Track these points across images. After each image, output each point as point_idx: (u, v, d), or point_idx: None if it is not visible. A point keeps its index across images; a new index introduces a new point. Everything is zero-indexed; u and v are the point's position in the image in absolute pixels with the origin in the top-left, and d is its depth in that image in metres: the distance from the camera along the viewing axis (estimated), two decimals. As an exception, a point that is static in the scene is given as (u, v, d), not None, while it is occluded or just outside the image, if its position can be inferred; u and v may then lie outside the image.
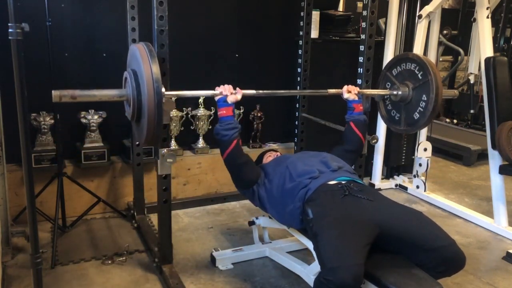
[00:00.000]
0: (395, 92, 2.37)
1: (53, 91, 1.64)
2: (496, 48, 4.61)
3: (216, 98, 2.11)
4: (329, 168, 2.11)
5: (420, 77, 2.28)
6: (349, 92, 2.34)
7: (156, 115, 1.70)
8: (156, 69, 1.71)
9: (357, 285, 1.60)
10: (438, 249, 1.74)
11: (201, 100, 3.27)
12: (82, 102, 2.91)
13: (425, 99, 2.25)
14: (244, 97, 2.15)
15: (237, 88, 2.11)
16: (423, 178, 3.53)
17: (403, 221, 1.84)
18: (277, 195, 2.11)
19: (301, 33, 3.25)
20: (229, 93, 2.08)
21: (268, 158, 2.44)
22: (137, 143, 2.77)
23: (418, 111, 2.30)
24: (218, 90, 2.10)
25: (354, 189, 1.97)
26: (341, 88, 2.40)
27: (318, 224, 1.83)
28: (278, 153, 2.50)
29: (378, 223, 1.81)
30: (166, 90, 2.05)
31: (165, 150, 2.09)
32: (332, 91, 2.35)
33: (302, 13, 3.22)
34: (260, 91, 2.24)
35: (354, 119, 2.34)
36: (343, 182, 2.02)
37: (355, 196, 1.94)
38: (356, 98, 2.34)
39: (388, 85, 2.47)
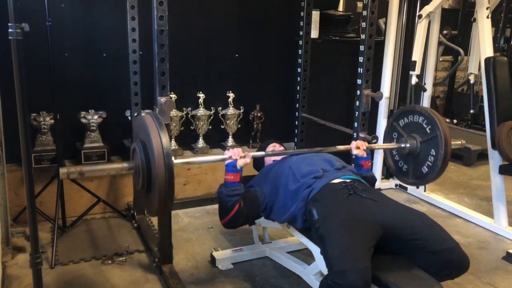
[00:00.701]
0: (403, 145, 2.30)
1: (60, 169, 1.60)
2: (496, 48, 4.61)
3: (226, 163, 2.02)
4: (333, 167, 2.11)
5: (429, 131, 2.22)
6: (358, 148, 2.23)
7: (167, 189, 1.64)
8: (166, 141, 1.64)
9: None
10: (442, 252, 1.74)
11: (201, 100, 3.27)
12: (82, 102, 2.95)
13: (434, 154, 2.20)
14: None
15: (246, 152, 2.03)
16: (423, 178, 3.53)
17: (407, 222, 1.84)
18: (280, 199, 2.10)
19: (301, 33, 3.25)
20: (238, 157, 2.00)
21: (270, 149, 2.43)
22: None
23: (426, 165, 2.25)
24: (227, 154, 2.01)
25: (359, 188, 1.97)
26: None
27: (324, 226, 1.82)
28: (282, 147, 2.49)
29: (382, 224, 1.81)
30: (166, 90, 2.06)
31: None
32: (341, 147, 2.25)
33: (302, 13, 3.22)
34: (269, 152, 2.23)
35: (363, 176, 2.22)
36: (347, 180, 2.01)
37: (359, 196, 1.93)
38: (365, 155, 2.24)
39: (395, 135, 2.41)
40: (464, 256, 1.76)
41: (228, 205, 2.02)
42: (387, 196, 2.09)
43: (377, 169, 3.68)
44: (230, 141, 3.45)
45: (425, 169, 2.26)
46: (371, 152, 2.34)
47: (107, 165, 1.82)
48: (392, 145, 2.39)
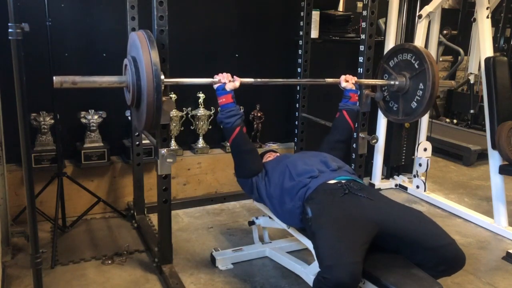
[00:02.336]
0: (392, 82, 2.41)
1: (54, 77, 1.68)
2: (496, 48, 4.62)
3: (215, 86, 2.14)
4: (329, 168, 2.12)
5: (417, 66, 2.31)
6: (347, 82, 2.38)
7: (155, 99, 1.74)
8: (155, 55, 1.74)
9: (354, 283, 1.60)
10: (438, 248, 1.74)
11: (201, 100, 3.27)
12: (82, 102, 2.95)
13: (422, 87, 2.28)
14: (242, 84, 2.18)
15: (235, 76, 2.15)
16: (423, 178, 3.53)
17: (403, 220, 1.84)
18: (275, 194, 2.11)
19: (301, 33, 3.25)
20: (227, 80, 2.12)
21: (267, 158, 2.44)
22: (136, 134, 2.77)
23: (415, 99, 2.34)
24: (216, 78, 2.14)
25: (354, 188, 1.97)
26: (341, 97, 2.42)
27: (317, 223, 1.84)
28: (278, 154, 2.51)
29: (377, 222, 1.81)
30: (166, 90, 2.05)
31: (165, 150, 2.10)
32: (330, 80, 2.39)
33: (302, 13, 3.22)
34: (258, 80, 2.27)
35: (349, 108, 2.38)
36: (343, 181, 2.02)
37: (354, 195, 1.94)
38: (354, 88, 2.39)
39: (385, 76, 2.50)
40: (460, 253, 1.76)
41: (228, 127, 2.12)
42: (383, 194, 2.10)
43: (377, 169, 3.68)
44: (230, 141, 3.45)
45: (414, 104, 2.35)
46: (370, 150, 2.36)
47: (99, 78, 1.86)
48: (382, 81, 2.49)
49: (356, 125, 2.48)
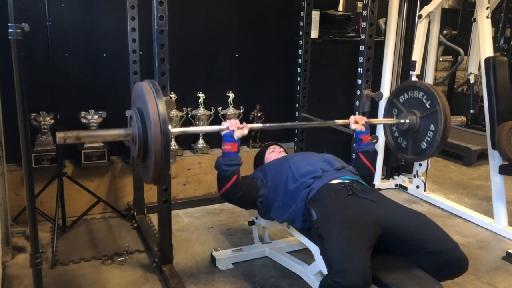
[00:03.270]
0: (402, 121, 2.29)
1: (57, 133, 1.59)
2: (496, 48, 4.61)
3: (222, 133, 2.02)
4: (333, 167, 2.11)
5: (428, 107, 2.21)
6: (357, 123, 2.23)
7: (163, 156, 1.64)
8: (163, 109, 1.64)
9: (366, 287, 1.60)
10: (441, 252, 1.74)
11: (201, 100, 3.27)
12: (82, 102, 2.95)
13: (433, 129, 2.19)
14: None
15: (244, 123, 2.02)
16: (423, 178, 3.53)
17: (406, 223, 1.84)
18: (279, 197, 2.10)
19: (301, 33, 3.25)
20: (235, 128, 1.99)
21: (271, 154, 2.43)
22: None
23: (425, 140, 2.23)
24: (224, 125, 2.00)
25: (358, 189, 1.97)
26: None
27: (324, 226, 1.82)
28: (282, 149, 2.49)
29: (381, 225, 1.81)
30: (166, 90, 2.06)
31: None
32: (339, 121, 2.24)
33: (302, 13, 3.22)
34: (267, 124, 2.20)
35: (363, 150, 2.25)
36: (346, 181, 2.01)
37: (358, 196, 1.93)
38: (364, 129, 2.24)
39: (394, 111, 2.40)
40: (463, 257, 1.76)
41: (225, 175, 2.02)
42: (386, 196, 2.09)
43: (377, 169, 3.68)
44: (230, 141, 3.44)
45: (424, 144, 2.25)
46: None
47: (104, 131, 1.79)
48: (392, 120, 2.37)
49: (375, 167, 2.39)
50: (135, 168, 2.87)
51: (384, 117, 2.49)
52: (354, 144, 2.29)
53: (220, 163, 2.01)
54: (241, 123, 2.01)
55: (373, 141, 2.47)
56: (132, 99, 1.90)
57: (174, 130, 1.83)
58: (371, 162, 2.26)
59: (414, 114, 2.27)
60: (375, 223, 1.81)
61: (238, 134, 2.00)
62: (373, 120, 2.42)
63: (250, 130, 2.08)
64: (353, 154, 2.31)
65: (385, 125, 2.51)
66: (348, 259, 1.62)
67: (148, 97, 1.66)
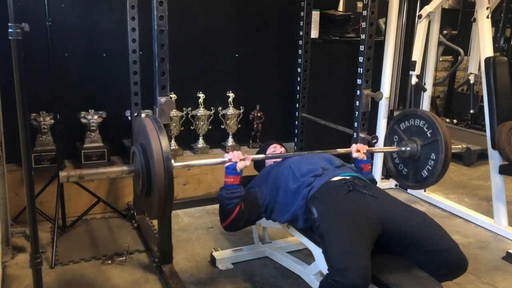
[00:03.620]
0: (403, 149, 2.31)
1: (60, 172, 1.60)
2: (496, 48, 4.61)
3: (225, 165, 2.03)
4: (333, 165, 2.11)
5: (429, 135, 2.22)
6: (358, 152, 2.23)
7: (167, 193, 1.65)
8: (166, 145, 1.65)
9: (366, 286, 1.60)
10: (441, 252, 1.74)
11: (201, 100, 3.27)
12: (82, 102, 2.95)
13: (434, 158, 2.20)
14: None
15: (246, 155, 2.03)
16: (423, 178, 3.53)
17: (407, 221, 1.84)
18: (280, 199, 2.10)
19: (301, 33, 3.25)
20: (238, 159, 2.00)
21: (271, 150, 2.43)
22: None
23: (426, 169, 2.24)
24: (227, 157, 2.01)
25: (359, 185, 1.97)
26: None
27: (324, 224, 1.82)
28: (283, 149, 2.49)
29: (381, 221, 1.81)
30: (166, 90, 2.06)
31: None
32: (341, 150, 2.24)
33: (302, 13, 3.22)
34: (269, 155, 2.22)
35: None
36: (347, 177, 2.01)
37: (359, 192, 1.93)
38: (365, 158, 2.24)
39: (395, 138, 2.42)
40: (462, 257, 1.76)
41: (228, 208, 2.02)
42: (387, 193, 2.09)
43: (377, 169, 3.68)
44: (230, 141, 3.45)
45: (425, 173, 2.26)
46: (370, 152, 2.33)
47: (107, 169, 1.79)
48: (393, 148, 2.39)
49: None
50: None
51: (385, 143, 2.52)
52: None
53: (223, 196, 2.02)
54: (243, 154, 2.02)
55: (373, 141, 2.47)
56: (134, 134, 1.90)
57: (177, 164, 1.83)
58: None
59: (415, 142, 2.28)
60: (376, 220, 1.81)
61: (240, 165, 2.00)
62: (375, 149, 2.43)
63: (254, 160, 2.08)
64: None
65: (386, 153, 2.52)
66: (349, 258, 1.62)
67: (151, 134, 1.66)
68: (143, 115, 2.61)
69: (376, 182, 2.33)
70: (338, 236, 1.73)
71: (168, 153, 1.64)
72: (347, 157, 2.35)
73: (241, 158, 2.00)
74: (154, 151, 1.64)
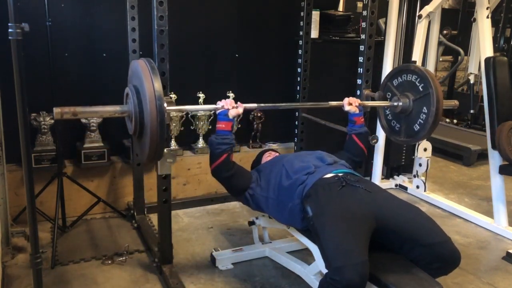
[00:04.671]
0: (395, 104, 2.35)
1: (54, 108, 1.62)
2: (496, 48, 4.62)
3: (217, 112, 2.08)
4: (325, 162, 2.12)
5: (421, 89, 2.25)
6: (350, 105, 2.29)
7: (159, 132, 1.68)
8: (158, 85, 1.68)
9: (364, 283, 1.60)
10: (433, 245, 1.75)
11: (201, 100, 3.26)
12: (82, 102, 2.94)
13: (426, 111, 2.23)
14: (245, 110, 2.13)
15: (239, 102, 2.08)
16: (423, 178, 3.53)
17: (400, 214, 1.85)
18: (274, 195, 2.10)
19: (301, 33, 3.25)
20: (230, 107, 2.05)
21: (267, 158, 2.44)
22: (138, 158, 2.74)
23: (418, 123, 2.28)
24: (219, 104, 2.06)
25: (351, 180, 1.98)
26: (342, 97, 2.35)
27: (319, 222, 1.83)
28: (277, 153, 2.51)
29: (375, 215, 1.82)
30: (166, 90, 2.06)
31: (165, 150, 2.09)
32: (333, 103, 2.31)
33: (302, 13, 3.22)
34: (262, 104, 2.21)
35: (357, 132, 2.32)
36: (339, 174, 2.02)
37: (352, 186, 1.94)
38: (357, 111, 2.30)
39: (388, 95, 2.45)
40: (455, 251, 1.77)
41: (216, 152, 2.07)
42: (380, 187, 2.11)
43: (377, 169, 3.68)
44: (230, 141, 3.45)
45: (416, 127, 2.30)
46: (370, 150, 2.35)
47: (100, 108, 1.82)
48: (385, 103, 2.43)
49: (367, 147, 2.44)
50: (135, 168, 2.87)
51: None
52: (348, 126, 2.36)
53: (213, 141, 2.08)
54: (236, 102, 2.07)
55: (373, 141, 2.48)
56: (129, 77, 1.92)
57: (170, 108, 1.87)
58: (364, 143, 2.34)
59: (407, 97, 2.32)
60: (370, 215, 1.82)
61: (233, 113, 2.05)
62: (367, 103, 2.45)
63: (246, 110, 2.13)
64: (347, 136, 2.36)
65: (378, 108, 2.54)
66: (345, 256, 1.63)
67: (144, 75, 1.69)
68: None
69: (368, 133, 2.38)
70: (332, 234, 1.74)
71: (161, 93, 1.67)
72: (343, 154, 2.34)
73: (234, 106, 2.06)
74: (146, 91, 1.66)
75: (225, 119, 2.06)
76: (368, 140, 2.37)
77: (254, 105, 2.19)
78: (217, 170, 2.11)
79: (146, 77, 1.69)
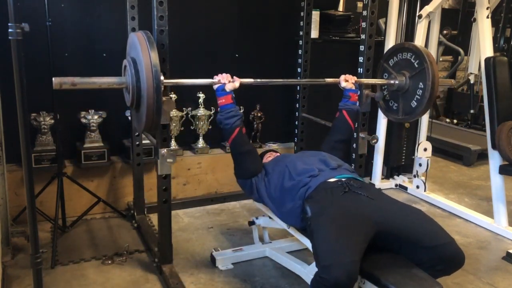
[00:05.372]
0: (392, 82, 2.40)
1: (53, 78, 1.67)
2: (496, 48, 4.62)
3: (215, 87, 2.14)
4: (329, 167, 2.12)
5: (417, 66, 2.31)
6: (347, 81, 2.36)
7: (155, 101, 1.73)
8: (154, 56, 1.73)
9: (351, 282, 1.60)
10: (437, 247, 1.74)
11: (201, 100, 3.26)
12: (82, 102, 2.95)
13: (422, 86, 2.28)
14: (242, 84, 2.17)
15: (235, 77, 2.14)
16: (423, 178, 3.53)
17: (403, 219, 1.84)
18: (275, 195, 2.11)
19: (301, 33, 3.24)
20: (227, 81, 2.11)
21: (268, 158, 2.44)
22: (136, 134, 2.77)
23: (415, 99, 2.33)
24: (216, 78, 2.13)
25: (354, 186, 1.98)
26: (341, 97, 2.41)
27: (315, 222, 1.84)
28: (278, 154, 2.51)
29: (377, 221, 1.81)
30: (166, 90, 2.05)
31: (165, 150, 2.09)
32: (329, 80, 2.39)
33: (302, 13, 3.22)
34: (258, 80, 2.26)
35: (348, 107, 2.37)
36: (343, 179, 2.02)
37: (355, 193, 1.94)
38: (353, 88, 2.38)
39: (385, 75, 2.49)
40: (459, 252, 1.76)
41: (228, 128, 2.12)
42: (383, 192, 2.12)
43: (377, 169, 3.68)
44: (230, 141, 3.45)
45: (414, 103, 2.34)
46: (370, 151, 2.35)
47: (98, 79, 1.85)
48: (382, 80, 2.47)
49: (356, 125, 2.47)
50: (135, 168, 2.87)
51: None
52: (341, 102, 2.40)
53: (220, 118, 2.13)
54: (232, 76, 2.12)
55: (373, 141, 2.48)
56: (127, 51, 1.97)
57: (167, 81, 1.94)
58: (353, 120, 2.39)
59: (404, 74, 2.37)
60: (371, 220, 1.81)
61: (229, 86, 2.12)
62: (363, 80, 2.48)
63: (242, 84, 2.15)
64: (337, 112, 2.41)
65: (378, 97, 2.56)
66: (334, 254, 1.63)
67: (141, 46, 1.74)
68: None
69: (360, 112, 2.45)
70: (326, 234, 1.75)
71: (157, 65, 1.72)
72: (347, 158, 2.34)
73: (230, 80, 2.11)
74: (143, 63, 1.71)
75: (224, 94, 2.12)
76: (357, 118, 2.44)
77: (250, 80, 2.23)
78: (234, 144, 2.16)
79: (143, 48, 1.74)
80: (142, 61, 1.73)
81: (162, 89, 1.82)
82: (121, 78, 1.86)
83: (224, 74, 2.13)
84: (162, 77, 1.78)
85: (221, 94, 2.12)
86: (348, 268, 1.59)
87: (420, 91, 2.29)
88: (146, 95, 1.72)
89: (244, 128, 2.17)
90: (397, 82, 2.38)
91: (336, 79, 2.39)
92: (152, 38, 1.83)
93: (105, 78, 1.87)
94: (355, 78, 2.39)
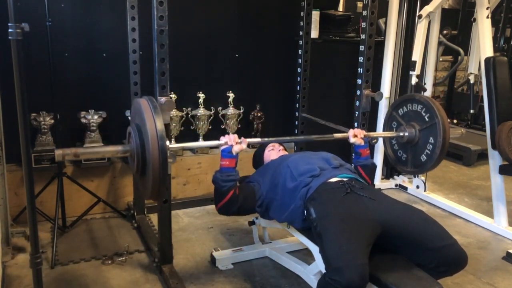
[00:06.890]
0: (401, 134, 2.31)
1: (55, 150, 1.60)
2: (496, 48, 4.61)
3: (221, 148, 2.02)
4: (331, 165, 2.11)
5: (427, 119, 2.23)
6: (355, 137, 2.21)
7: (161, 172, 1.66)
8: (160, 125, 1.66)
9: (363, 285, 1.60)
10: (441, 249, 1.74)
11: (201, 100, 3.27)
12: (82, 102, 2.95)
13: (432, 141, 2.20)
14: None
15: (242, 138, 2.02)
16: (423, 178, 3.53)
17: (405, 220, 1.84)
18: (277, 197, 2.10)
19: (301, 33, 3.24)
20: (234, 143, 1.98)
21: (270, 152, 2.42)
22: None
23: (425, 153, 2.25)
24: (223, 140, 2.00)
25: (356, 187, 1.97)
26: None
27: (322, 224, 1.83)
28: (281, 147, 2.48)
29: (380, 223, 1.81)
30: (166, 90, 2.06)
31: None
32: (338, 135, 2.25)
33: (302, 13, 3.22)
34: (266, 139, 2.20)
35: (362, 164, 2.24)
36: (344, 179, 2.02)
37: (356, 194, 1.93)
38: (362, 143, 2.23)
39: (394, 124, 2.42)
40: (462, 253, 1.76)
41: (222, 190, 2.01)
42: (384, 194, 2.10)
43: (377, 169, 3.68)
44: (230, 141, 3.44)
45: (423, 157, 2.27)
46: (371, 149, 2.33)
47: (102, 148, 1.83)
48: (391, 133, 2.40)
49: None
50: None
51: (383, 130, 2.52)
52: (353, 158, 2.29)
53: (218, 178, 2.00)
54: (239, 137, 2.01)
55: (373, 141, 2.47)
56: (132, 116, 1.90)
57: (172, 146, 1.84)
58: (370, 176, 2.26)
59: (413, 127, 2.29)
60: (374, 221, 1.81)
61: (236, 149, 1.99)
62: (372, 134, 2.40)
63: (249, 145, 2.07)
64: (352, 164, 2.30)
65: (384, 138, 2.52)
66: (346, 257, 1.63)
67: (146, 114, 1.67)
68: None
69: (375, 166, 2.33)
70: (335, 235, 1.74)
71: (163, 133, 1.65)
72: (347, 158, 2.34)
73: (237, 141, 1.99)
74: (148, 131, 1.65)
75: (229, 156, 1.99)
76: (374, 172, 2.32)
77: (258, 139, 2.19)
78: (224, 208, 2.05)
79: (148, 116, 1.67)
80: (147, 130, 1.65)
81: (168, 155, 1.72)
82: (125, 146, 1.78)
83: (231, 136, 1.99)
84: (167, 143, 1.69)
85: (226, 156, 1.99)
86: (361, 270, 1.59)
87: (431, 146, 2.21)
88: (151, 163, 1.65)
89: (237, 189, 2.04)
90: (406, 134, 2.29)
91: (345, 134, 2.24)
92: (157, 104, 1.74)
93: (109, 147, 1.80)
94: (363, 132, 2.24)
